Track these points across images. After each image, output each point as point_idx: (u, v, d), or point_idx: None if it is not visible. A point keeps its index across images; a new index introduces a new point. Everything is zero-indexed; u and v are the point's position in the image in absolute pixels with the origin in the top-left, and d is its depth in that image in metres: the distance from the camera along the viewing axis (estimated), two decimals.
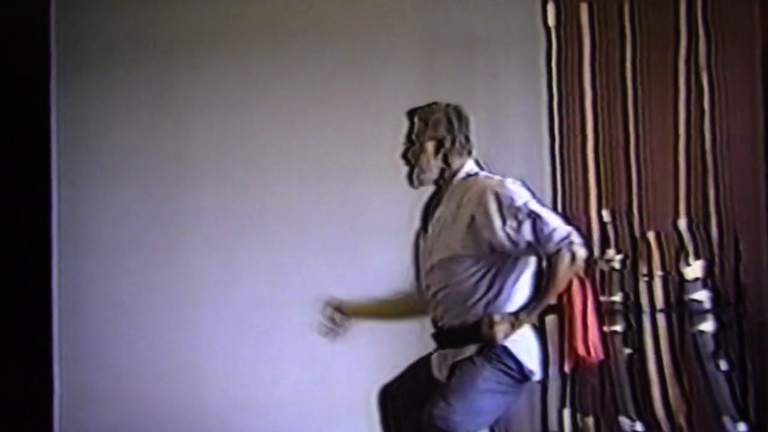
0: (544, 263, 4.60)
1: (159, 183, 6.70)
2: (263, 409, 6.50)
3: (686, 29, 6.12)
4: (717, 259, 6.00)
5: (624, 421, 6.05)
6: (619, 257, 6.07)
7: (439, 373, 4.66)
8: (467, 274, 4.53)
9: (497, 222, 4.43)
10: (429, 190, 4.75)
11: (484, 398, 4.53)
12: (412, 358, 4.89)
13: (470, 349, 4.54)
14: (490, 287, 4.53)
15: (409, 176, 4.70)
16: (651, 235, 6.07)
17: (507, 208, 4.43)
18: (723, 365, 5.97)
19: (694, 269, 6.02)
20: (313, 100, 6.53)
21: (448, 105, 4.69)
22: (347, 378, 6.34)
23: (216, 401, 6.55)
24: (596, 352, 4.67)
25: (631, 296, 6.07)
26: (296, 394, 6.45)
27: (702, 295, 6.01)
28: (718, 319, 5.99)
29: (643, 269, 6.06)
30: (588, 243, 4.58)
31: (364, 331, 6.28)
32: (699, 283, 6.02)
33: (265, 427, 6.48)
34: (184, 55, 6.65)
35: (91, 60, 6.73)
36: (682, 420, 5.98)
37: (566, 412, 6.10)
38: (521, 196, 4.48)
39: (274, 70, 6.60)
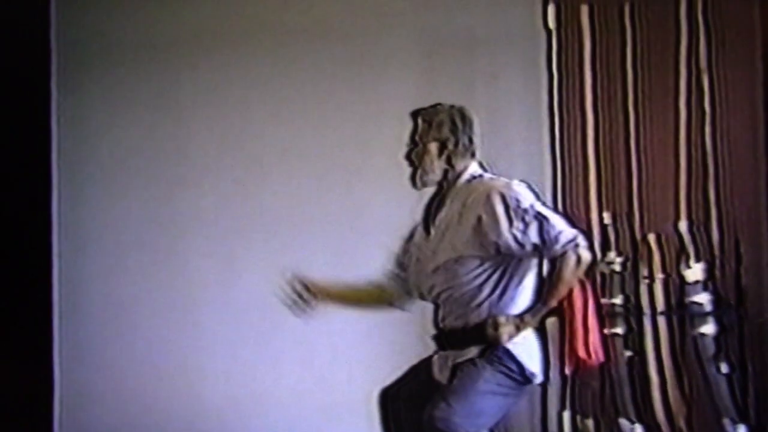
0: (545, 266, 4.62)
1: (159, 183, 6.69)
2: (263, 409, 6.50)
3: (687, 30, 6.12)
4: (718, 262, 6.00)
5: (624, 423, 6.05)
6: (619, 259, 6.07)
7: (440, 374, 4.66)
8: (472, 275, 4.53)
9: (504, 223, 4.43)
10: (430, 190, 4.75)
11: (485, 400, 4.54)
12: (413, 359, 4.89)
13: (472, 351, 4.55)
14: (494, 289, 4.53)
15: (412, 177, 4.71)
16: (651, 238, 6.07)
17: (514, 209, 4.44)
18: (723, 368, 5.97)
19: (695, 271, 6.02)
20: (313, 100, 6.53)
21: (452, 106, 4.69)
22: (347, 378, 6.34)
23: (216, 401, 6.55)
24: (597, 354, 4.67)
25: (632, 298, 6.07)
26: (296, 394, 6.45)
27: (703, 298, 6.01)
28: (719, 322, 5.99)
29: (644, 271, 6.06)
30: (589, 245, 4.57)
31: (364, 331, 6.33)
32: (700, 286, 6.02)
33: (265, 427, 6.48)
34: (184, 55, 6.65)
35: (91, 60, 6.72)
36: (682, 422, 5.99)
37: (566, 415, 6.11)
38: (527, 198, 4.49)
39: (274, 70, 6.60)
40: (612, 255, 6.07)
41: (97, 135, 6.73)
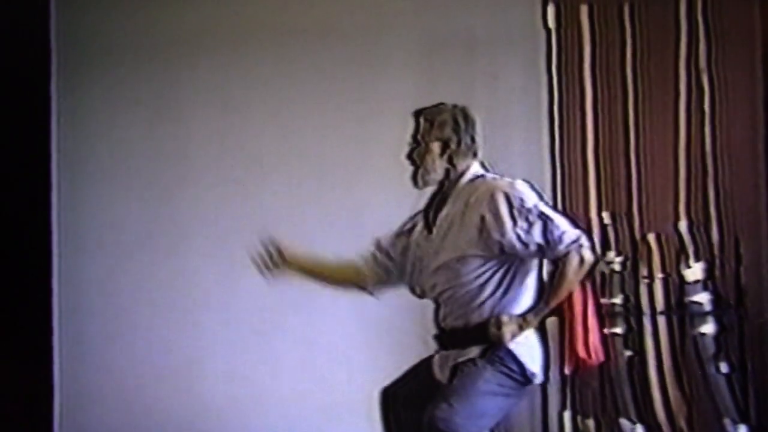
0: (545, 267, 4.62)
1: (159, 183, 6.69)
2: (263, 409, 6.50)
3: (686, 30, 6.12)
4: (717, 261, 6.01)
5: (625, 423, 6.05)
6: (619, 259, 6.08)
7: (441, 374, 4.66)
8: (474, 274, 4.53)
9: (508, 223, 4.44)
10: (430, 190, 4.75)
11: (486, 400, 4.54)
12: (413, 358, 4.89)
13: (473, 351, 4.55)
14: (497, 288, 4.54)
15: (414, 176, 4.71)
16: (651, 237, 6.07)
17: (517, 209, 4.44)
18: (723, 367, 5.97)
19: (695, 271, 6.02)
20: (313, 100, 6.53)
21: (455, 106, 4.69)
22: (347, 378, 6.34)
23: (216, 401, 6.54)
24: (597, 354, 4.67)
25: (632, 298, 6.08)
26: (296, 394, 6.45)
27: (702, 297, 6.02)
28: (719, 322, 6.00)
29: (644, 271, 6.06)
30: (591, 246, 4.58)
31: (364, 331, 6.34)
32: (699, 285, 6.03)
33: (265, 427, 6.48)
34: (184, 55, 6.65)
35: (91, 60, 6.71)
36: (682, 422, 5.99)
37: (567, 415, 6.11)
38: (531, 197, 4.50)
39: (274, 70, 6.60)
40: (612, 255, 6.07)
41: (97, 135, 6.73)
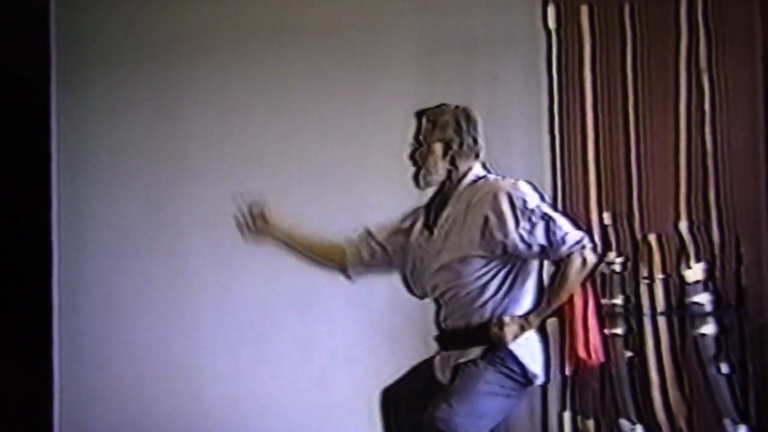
0: (546, 268, 4.62)
1: (159, 183, 6.69)
2: (263, 409, 6.50)
3: (687, 31, 6.11)
4: (718, 262, 6.00)
5: (625, 423, 6.05)
6: (619, 260, 6.07)
7: (442, 375, 4.67)
8: (476, 275, 4.54)
9: (511, 223, 4.44)
10: (430, 190, 4.76)
11: (486, 401, 4.54)
12: (413, 359, 4.90)
13: (474, 352, 4.56)
14: (498, 289, 4.55)
15: (416, 177, 4.72)
16: (652, 238, 6.07)
17: (520, 210, 4.45)
18: (724, 368, 5.97)
19: (695, 272, 6.02)
20: (313, 100, 6.53)
21: (457, 107, 4.70)
22: (348, 379, 6.34)
23: (216, 401, 6.55)
24: (597, 354, 4.68)
25: (632, 299, 6.06)
26: (296, 394, 6.46)
27: (703, 298, 6.01)
28: (719, 322, 5.99)
29: (644, 272, 6.05)
30: (593, 247, 4.58)
31: (364, 331, 6.34)
32: (700, 286, 6.02)
33: (265, 427, 6.48)
34: (184, 55, 6.65)
35: (91, 60, 6.71)
36: (682, 423, 5.99)
37: (567, 415, 6.10)
38: (534, 198, 4.51)
39: (275, 70, 6.60)
40: (612, 255, 6.07)
41: (97, 135, 6.73)
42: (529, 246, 4.45)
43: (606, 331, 5.63)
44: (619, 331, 6.05)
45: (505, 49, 6.34)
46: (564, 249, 4.45)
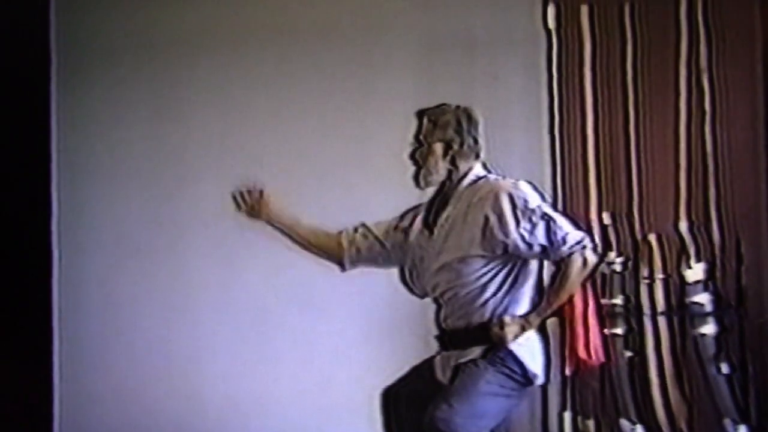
0: (545, 268, 4.62)
1: (159, 183, 6.68)
2: (263, 409, 6.50)
3: (687, 31, 6.11)
4: (718, 262, 6.00)
5: (625, 423, 6.05)
6: (620, 260, 6.07)
7: (443, 375, 4.68)
8: (477, 275, 4.55)
9: (511, 223, 4.45)
10: (431, 190, 4.76)
11: (487, 401, 4.55)
12: (414, 359, 4.90)
13: (474, 352, 4.56)
14: (499, 288, 4.55)
15: (416, 177, 4.73)
16: (652, 238, 6.07)
17: (521, 209, 4.46)
18: (724, 368, 5.97)
19: (696, 272, 6.02)
20: (313, 100, 6.52)
21: (458, 107, 4.71)
22: (348, 379, 6.34)
23: (216, 401, 6.54)
24: (597, 354, 4.69)
25: (632, 299, 6.06)
26: (296, 394, 6.45)
27: (703, 298, 6.01)
28: (720, 322, 5.99)
29: (644, 272, 6.05)
30: (594, 247, 4.58)
31: (364, 331, 6.33)
32: (700, 286, 6.02)
33: (265, 427, 6.48)
34: (184, 55, 6.64)
35: (91, 60, 6.70)
36: (683, 423, 5.99)
37: (567, 415, 6.10)
38: (534, 198, 4.52)
39: (275, 70, 6.59)
40: (612, 255, 6.07)
41: (97, 135, 6.72)
42: (529, 246, 4.46)
43: (606, 331, 5.61)
44: (619, 331, 6.05)
45: (505, 49, 6.34)
46: (564, 249, 4.46)
